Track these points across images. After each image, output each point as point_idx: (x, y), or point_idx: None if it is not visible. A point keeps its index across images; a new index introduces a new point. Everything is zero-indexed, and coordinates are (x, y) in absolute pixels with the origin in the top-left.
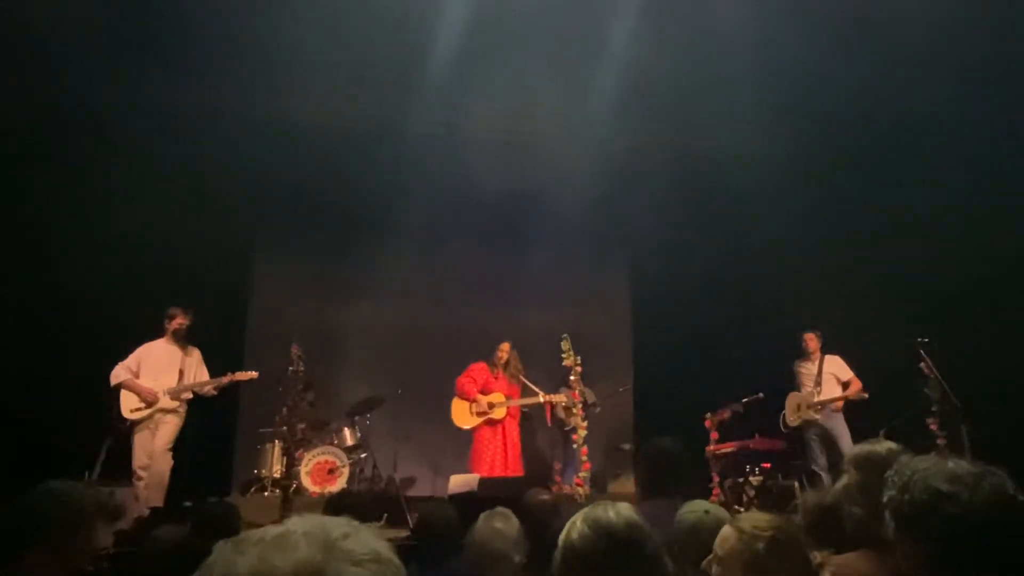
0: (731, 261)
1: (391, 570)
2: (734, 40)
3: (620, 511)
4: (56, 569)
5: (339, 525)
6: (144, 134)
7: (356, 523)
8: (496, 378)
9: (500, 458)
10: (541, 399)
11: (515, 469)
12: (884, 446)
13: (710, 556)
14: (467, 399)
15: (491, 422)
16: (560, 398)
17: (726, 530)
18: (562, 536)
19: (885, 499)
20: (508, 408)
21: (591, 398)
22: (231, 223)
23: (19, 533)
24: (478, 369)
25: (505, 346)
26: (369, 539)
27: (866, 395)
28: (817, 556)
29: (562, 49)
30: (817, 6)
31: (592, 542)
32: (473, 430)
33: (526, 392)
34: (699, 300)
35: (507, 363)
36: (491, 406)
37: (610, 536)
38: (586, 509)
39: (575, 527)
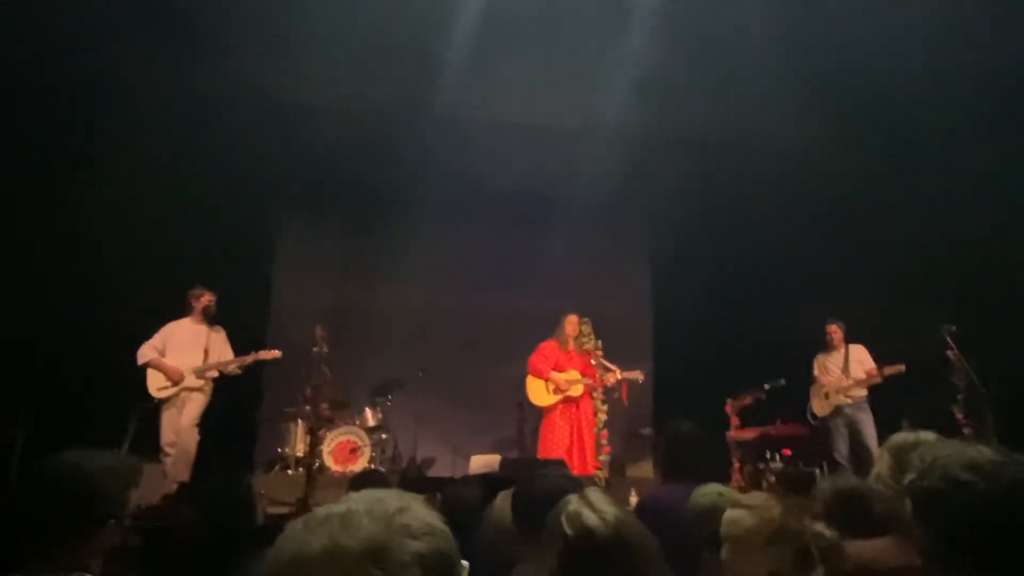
0: (752, 246)
1: (444, 540)
2: (753, 23)
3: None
4: (98, 541)
5: (396, 500)
6: (167, 115)
7: (408, 497)
8: (568, 355)
9: (575, 438)
10: (619, 376)
11: (589, 448)
12: (923, 436)
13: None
14: (541, 378)
15: (568, 399)
16: (638, 374)
17: (734, 512)
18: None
19: (906, 482)
20: (586, 386)
21: (619, 375)
22: (255, 204)
23: (58, 506)
24: (549, 347)
25: (572, 319)
26: (422, 512)
27: (903, 368)
28: (825, 532)
29: (582, 33)
30: None
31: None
32: (545, 410)
33: (600, 369)
34: (720, 285)
35: (576, 338)
36: (568, 384)
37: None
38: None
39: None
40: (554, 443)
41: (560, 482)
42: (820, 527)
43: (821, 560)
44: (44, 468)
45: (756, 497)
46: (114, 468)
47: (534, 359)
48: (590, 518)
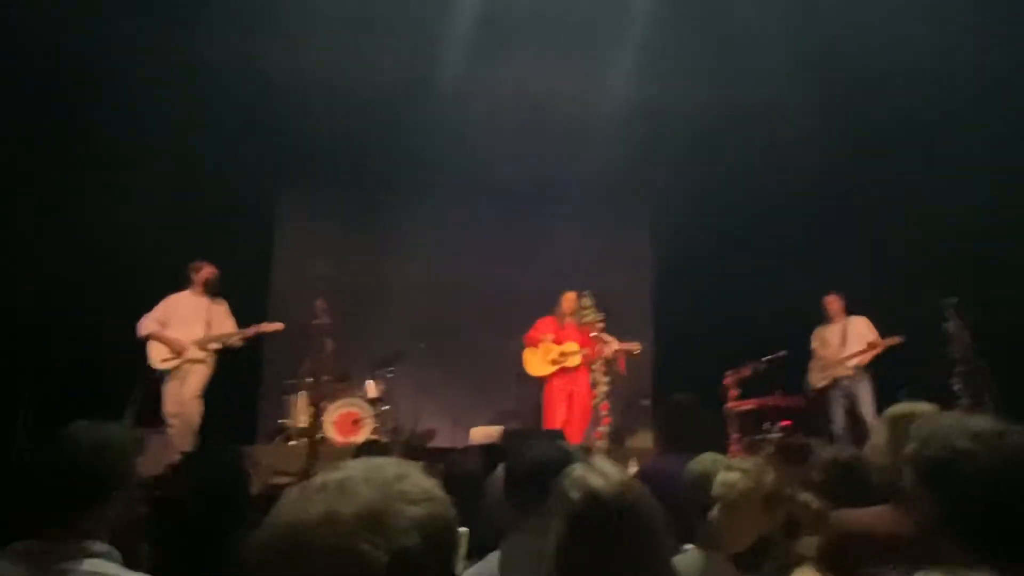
0: (753, 219)
1: (442, 506)
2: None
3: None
4: (107, 510)
5: (394, 467)
6: (169, 91)
7: (406, 464)
8: (564, 328)
9: (571, 408)
10: (616, 347)
11: (583, 420)
12: (921, 407)
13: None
14: (534, 345)
15: (565, 370)
16: (635, 346)
17: (728, 475)
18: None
19: (906, 452)
20: (582, 356)
21: (616, 346)
22: (257, 178)
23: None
24: (544, 323)
25: (568, 296)
26: (420, 479)
27: (901, 340)
28: (812, 502)
29: (586, 12)
30: None
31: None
32: (545, 381)
33: (599, 341)
34: (721, 257)
35: (574, 313)
36: (564, 355)
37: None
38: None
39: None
40: (554, 413)
41: (549, 452)
42: (808, 497)
43: (807, 528)
44: (52, 439)
45: (750, 461)
46: (120, 438)
47: (530, 332)
48: (596, 481)
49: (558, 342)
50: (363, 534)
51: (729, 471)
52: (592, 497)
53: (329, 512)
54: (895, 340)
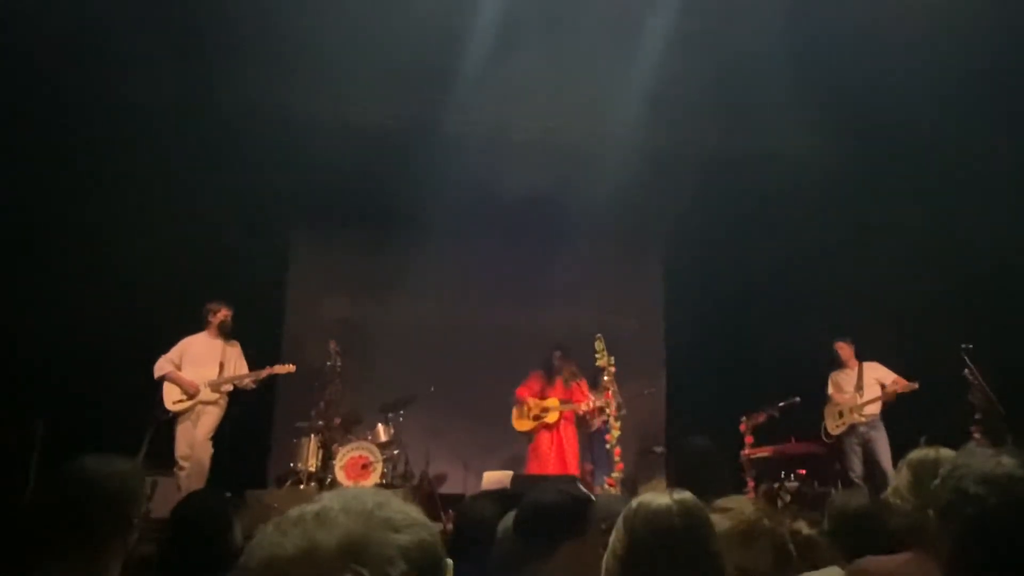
0: (766, 262)
1: (428, 531)
2: (767, 39)
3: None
4: (114, 546)
5: (373, 495)
6: (183, 132)
7: (387, 491)
8: (552, 385)
9: (556, 460)
10: (582, 408)
11: (572, 471)
12: (941, 452)
13: None
14: (520, 405)
15: (546, 426)
16: (595, 401)
17: (713, 517)
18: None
19: (928, 495)
20: (562, 412)
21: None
22: (268, 220)
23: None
24: (534, 378)
25: (556, 355)
26: (402, 505)
27: (916, 385)
28: (803, 529)
29: (594, 48)
30: (852, 5)
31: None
32: (533, 434)
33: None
34: (733, 302)
35: (560, 369)
36: (544, 411)
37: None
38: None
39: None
40: (536, 466)
41: (557, 496)
42: (800, 524)
43: (800, 555)
44: (62, 474)
45: (734, 501)
46: (130, 474)
47: (519, 389)
48: (655, 501)
49: (542, 397)
50: (346, 566)
51: (714, 513)
52: (651, 516)
53: (308, 546)
54: (910, 386)
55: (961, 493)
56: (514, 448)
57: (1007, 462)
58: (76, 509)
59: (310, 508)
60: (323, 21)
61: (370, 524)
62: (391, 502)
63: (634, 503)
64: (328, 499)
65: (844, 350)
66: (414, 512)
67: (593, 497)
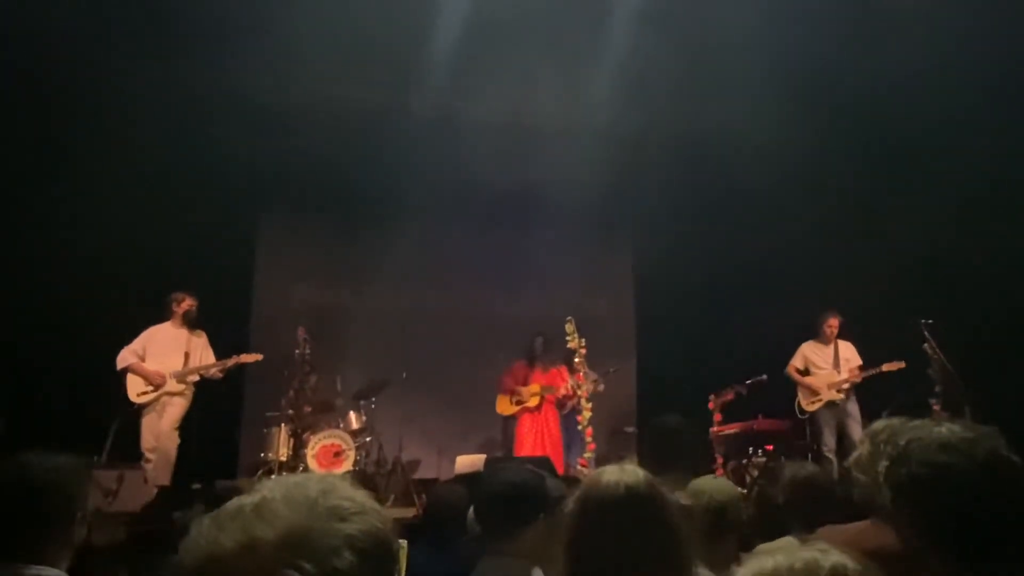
0: (734, 243)
1: (376, 518)
2: (741, 23)
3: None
4: (60, 536)
5: (317, 482)
6: (147, 117)
7: (331, 477)
8: (534, 370)
9: (538, 443)
10: (561, 391)
11: (553, 453)
12: (898, 423)
13: None
14: (503, 394)
15: (527, 410)
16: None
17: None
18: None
19: (880, 469)
20: (544, 396)
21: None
22: (237, 205)
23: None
24: (517, 366)
25: (538, 340)
26: (348, 490)
27: (903, 364)
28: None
29: (566, 35)
30: None
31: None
32: (516, 419)
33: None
34: (702, 282)
35: (542, 355)
36: (526, 395)
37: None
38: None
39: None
40: (521, 450)
41: (519, 475)
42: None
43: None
44: (2, 471)
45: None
46: (72, 469)
47: (502, 376)
48: (605, 477)
49: (524, 383)
50: (288, 560)
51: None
52: (604, 487)
53: (247, 540)
54: (897, 365)
55: (933, 465)
56: (488, 432)
57: (951, 427)
58: (16, 505)
59: (249, 500)
60: (292, 3)
61: (313, 514)
62: (337, 489)
63: (586, 480)
64: (269, 489)
65: (834, 326)
66: (361, 498)
67: (558, 477)
